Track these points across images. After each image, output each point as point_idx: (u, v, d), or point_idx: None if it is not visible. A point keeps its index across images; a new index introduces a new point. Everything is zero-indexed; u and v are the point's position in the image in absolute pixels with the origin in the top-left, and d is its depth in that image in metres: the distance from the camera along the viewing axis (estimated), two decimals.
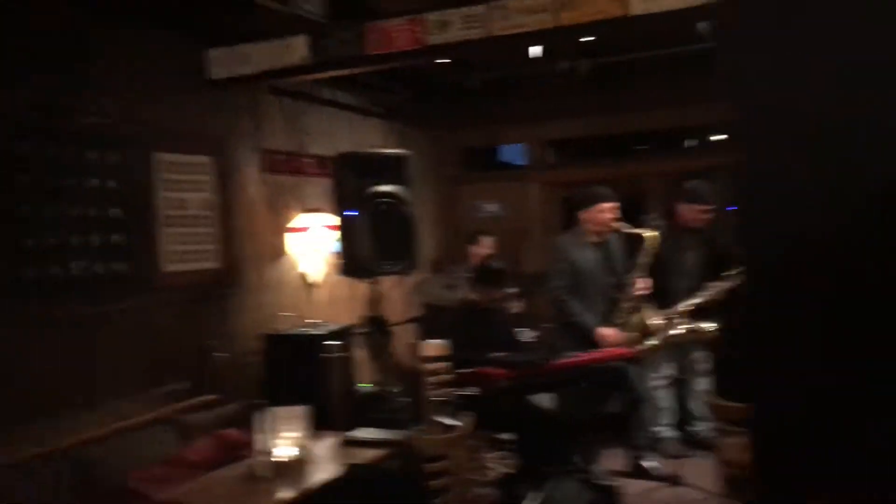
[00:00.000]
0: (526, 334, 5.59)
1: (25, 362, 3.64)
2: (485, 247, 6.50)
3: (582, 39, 4.92)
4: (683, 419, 5.36)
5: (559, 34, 4.09)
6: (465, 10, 4.12)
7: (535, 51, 4.91)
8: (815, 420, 1.54)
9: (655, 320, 4.92)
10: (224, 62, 4.65)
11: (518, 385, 4.10)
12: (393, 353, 5.58)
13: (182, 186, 4.61)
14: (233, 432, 4.07)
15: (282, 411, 3.41)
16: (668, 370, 5.25)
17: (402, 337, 5.61)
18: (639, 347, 4.81)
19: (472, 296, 4.74)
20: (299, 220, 5.54)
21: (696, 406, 5.30)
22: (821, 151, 1.53)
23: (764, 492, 1.67)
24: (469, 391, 4.19)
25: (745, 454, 3.21)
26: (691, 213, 5.17)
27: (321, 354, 4.64)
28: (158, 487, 3.65)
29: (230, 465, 3.57)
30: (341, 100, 6.19)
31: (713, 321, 4.86)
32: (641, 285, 4.89)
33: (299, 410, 3.45)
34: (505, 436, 4.70)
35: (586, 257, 4.92)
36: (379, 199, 4.65)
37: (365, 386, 5.45)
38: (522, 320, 6.15)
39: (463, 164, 7.97)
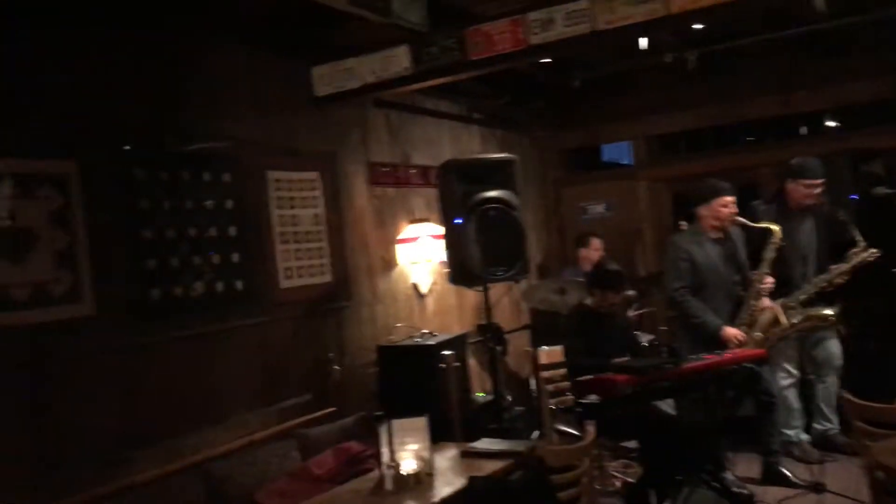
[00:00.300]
0: (643, 338, 5.40)
1: (152, 380, 3.75)
2: (595, 249, 6.34)
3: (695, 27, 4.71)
4: (810, 420, 5.05)
5: (669, 23, 3.92)
6: (568, 6, 4.01)
7: (642, 43, 4.72)
8: None
9: (782, 316, 4.64)
10: (328, 78, 4.69)
11: (645, 391, 3.92)
12: (505, 362, 5.50)
13: (294, 203, 4.69)
14: (354, 445, 4.08)
15: (403, 423, 3.37)
16: (792, 367, 4.94)
17: (515, 344, 5.52)
18: (766, 344, 4.57)
19: (589, 300, 4.59)
20: (407, 231, 5.55)
21: (825, 405, 4.98)
22: None
23: None
24: (590, 399, 4.06)
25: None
26: (799, 190, 4.85)
27: (437, 364, 4.60)
28: (284, 502, 3.69)
29: (355, 479, 3.55)
30: (442, 108, 6.17)
31: (835, 306, 4.64)
32: (769, 281, 4.62)
33: (421, 422, 3.39)
34: (629, 444, 4.55)
35: (707, 254, 4.70)
36: (486, 206, 4.58)
37: (480, 395, 5.39)
38: (639, 324, 5.96)
39: (566, 166, 7.82)
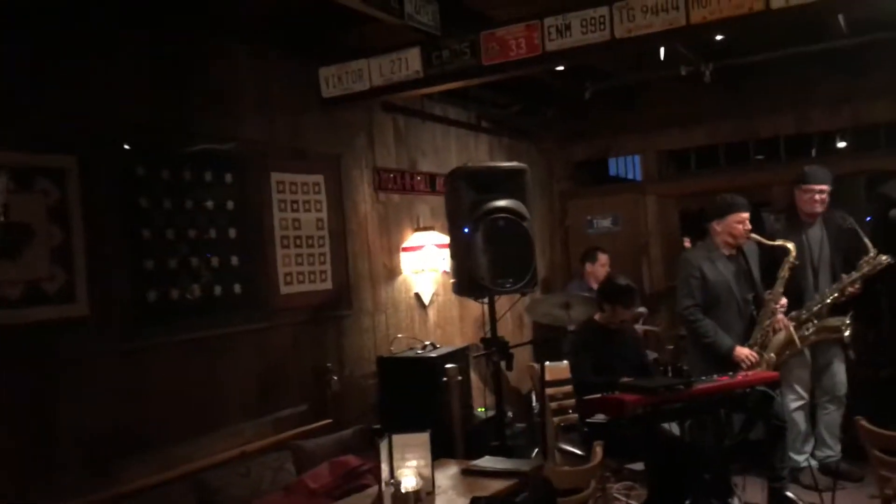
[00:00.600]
0: (649, 356, 5.27)
1: (146, 385, 3.63)
2: (602, 265, 6.23)
3: (717, 38, 4.60)
4: (816, 445, 4.93)
5: (689, 33, 3.82)
6: (586, 12, 3.90)
7: (662, 52, 4.63)
8: None
9: (796, 338, 4.52)
10: (336, 79, 4.58)
11: (655, 412, 3.79)
12: (506, 377, 5.36)
13: (296, 206, 4.56)
14: (351, 458, 3.95)
15: (405, 438, 3.23)
16: (802, 389, 4.81)
17: (516, 359, 5.39)
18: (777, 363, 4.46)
19: (598, 315, 4.46)
20: (412, 239, 5.42)
21: (827, 433, 4.86)
22: None
23: None
24: (596, 418, 3.93)
25: None
26: (804, 196, 4.74)
27: (439, 378, 4.47)
28: None
29: (351, 495, 3.42)
30: (450, 115, 6.06)
31: (848, 315, 4.54)
32: (783, 302, 4.51)
33: (423, 437, 3.26)
34: (633, 465, 4.41)
35: (719, 271, 4.58)
36: (495, 215, 4.45)
37: (481, 411, 5.25)
38: (645, 341, 5.83)
39: (573, 178, 7.71)
